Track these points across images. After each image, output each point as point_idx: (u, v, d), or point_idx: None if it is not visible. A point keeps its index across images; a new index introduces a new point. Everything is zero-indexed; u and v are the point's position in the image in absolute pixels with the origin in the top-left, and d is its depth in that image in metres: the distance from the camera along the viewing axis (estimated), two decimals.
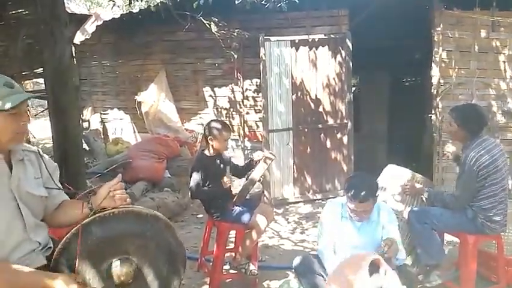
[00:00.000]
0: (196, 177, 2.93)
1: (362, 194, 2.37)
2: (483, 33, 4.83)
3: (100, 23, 5.46)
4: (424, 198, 2.99)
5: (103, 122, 6.52)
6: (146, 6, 5.55)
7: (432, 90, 4.95)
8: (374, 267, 2.10)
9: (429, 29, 4.93)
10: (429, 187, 3.11)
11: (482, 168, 2.66)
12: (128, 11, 5.89)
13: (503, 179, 2.74)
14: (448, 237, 3.26)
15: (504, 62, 4.88)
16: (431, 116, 5.03)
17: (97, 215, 1.53)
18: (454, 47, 4.87)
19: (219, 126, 3.03)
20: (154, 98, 5.77)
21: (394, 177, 3.06)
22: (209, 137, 3.02)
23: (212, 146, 3.02)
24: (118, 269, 1.53)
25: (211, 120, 3.19)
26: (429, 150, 5.24)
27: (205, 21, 4.63)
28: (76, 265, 1.46)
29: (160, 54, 6.08)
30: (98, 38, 6.09)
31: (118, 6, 5.83)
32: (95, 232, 1.51)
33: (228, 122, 5.67)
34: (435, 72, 4.90)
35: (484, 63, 4.89)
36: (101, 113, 6.56)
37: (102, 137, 6.31)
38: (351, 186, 2.42)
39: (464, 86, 4.89)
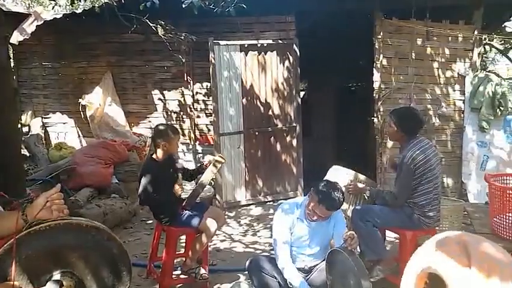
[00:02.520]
0: (144, 182, 2.88)
1: (335, 205, 2.50)
2: (419, 42, 5.17)
3: (40, 22, 5.18)
4: (366, 197, 3.15)
5: (44, 126, 6.21)
6: (90, 7, 5.35)
7: (374, 95, 5.22)
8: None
9: (371, 37, 5.20)
10: (372, 186, 3.29)
11: (418, 167, 2.86)
12: (71, 11, 5.64)
13: (436, 177, 2.96)
14: (389, 233, 3.45)
15: (438, 68, 5.26)
16: (373, 119, 5.30)
17: (32, 228, 1.46)
18: (393, 53, 5.18)
19: (166, 129, 3.01)
20: (100, 101, 5.57)
21: (338, 178, 3.19)
22: (157, 141, 2.98)
23: (161, 150, 2.99)
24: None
25: (158, 124, 3.16)
26: (373, 151, 5.51)
27: (151, 24, 4.56)
28: (12, 282, 1.39)
29: (106, 56, 5.89)
30: (38, 38, 5.77)
31: (60, 6, 5.56)
32: (30, 247, 1.44)
33: (178, 126, 5.62)
34: (376, 77, 5.18)
35: (421, 70, 5.23)
36: (42, 117, 6.24)
37: (44, 142, 6.00)
38: (329, 195, 2.49)
39: (403, 90, 5.21)
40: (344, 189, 3.15)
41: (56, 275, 1.46)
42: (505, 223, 2.96)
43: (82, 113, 5.77)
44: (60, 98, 6.22)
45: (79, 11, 5.38)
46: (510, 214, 2.93)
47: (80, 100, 5.73)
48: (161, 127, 3.06)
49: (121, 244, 1.64)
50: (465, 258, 0.63)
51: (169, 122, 5.60)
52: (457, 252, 0.64)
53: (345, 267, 2.29)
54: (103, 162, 4.87)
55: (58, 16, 5.31)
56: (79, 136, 6.08)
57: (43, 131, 6.16)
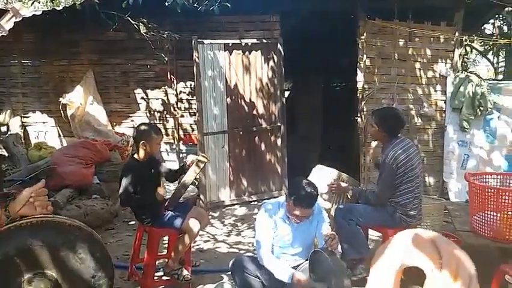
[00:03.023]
0: (125, 183, 2.82)
1: (309, 201, 2.46)
2: (401, 42, 5.23)
3: (18, 19, 5.04)
4: (349, 196, 3.17)
5: (23, 125, 6.07)
6: (71, 4, 5.24)
7: (358, 95, 5.26)
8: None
9: (355, 37, 5.23)
10: (355, 186, 3.31)
11: (400, 166, 2.88)
12: (51, 8, 5.52)
13: (417, 176, 2.99)
14: (372, 232, 3.47)
15: (420, 69, 5.33)
16: (356, 119, 5.34)
17: (13, 224, 1.42)
18: (377, 54, 5.22)
19: (147, 129, 2.95)
20: (81, 100, 5.47)
21: (322, 177, 3.21)
22: (139, 141, 2.93)
23: (143, 150, 2.94)
24: (34, 284, 1.42)
25: (140, 124, 3.11)
26: (356, 150, 5.56)
27: (133, 22, 4.49)
28: None
29: (87, 54, 5.79)
30: (18, 35, 5.63)
31: (39, 2, 5.43)
32: (9, 243, 1.40)
33: (161, 125, 5.57)
34: (360, 77, 5.21)
35: (403, 70, 5.29)
36: (21, 116, 6.09)
37: (23, 141, 5.86)
38: (297, 193, 2.46)
39: (386, 90, 5.26)
40: (327, 188, 3.18)
41: (33, 276, 1.42)
42: (484, 221, 3.01)
43: (62, 112, 5.66)
44: (40, 97, 6.09)
45: (59, 8, 5.27)
46: (489, 212, 2.98)
47: (60, 99, 5.62)
48: (143, 127, 3.01)
49: (104, 246, 1.60)
50: (436, 255, 0.63)
51: (152, 122, 5.54)
52: (429, 249, 0.64)
53: (326, 267, 2.30)
54: (83, 162, 4.78)
55: (38, 13, 5.18)
56: (60, 136, 5.97)
57: (22, 130, 6.03)
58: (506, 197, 2.88)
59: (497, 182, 3.33)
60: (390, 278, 0.67)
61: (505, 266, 2.52)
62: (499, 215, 2.92)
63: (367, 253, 3.06)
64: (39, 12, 5.20)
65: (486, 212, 2.99)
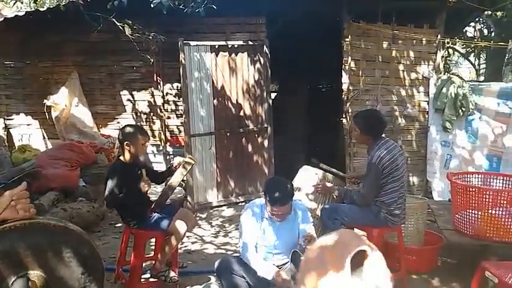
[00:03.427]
0: (111, 185, 2.81)
1: (281, 198, 2.50)
2: (385, 45, 5.32)
3: (0, 19, 4.98)
4: (335, 196, 3.21)
5: (7, 127, 5.97)
6: (55, 5, 5.18)
7: (343, 96, 5.32)
8: (358, 260, 1.61)
9: (340, 39, 5.29)
10: (340, 186, 3.35)
11: (385, 167, 2.93)
12: (35, 9, 5.45)
13: (402, 176, 3.04)
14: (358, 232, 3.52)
15: (403, 71, 5.42)
16: (342, 120, 5.40)
17: None
18: (361, 56, 5.30)
19: (132, 130, 2.94)
20: (66, 102, 5.40)
21: (308, 178, 3.25)
22: (124, 143, 2.92)
23: (128, 151, 2.93)
24: (22, 285, 1.42)
25: (125, 125, 3.09)
26: (342, 151, 5.62)
27: (118, 24, 4.47)
28: None
29: (73, 56, 5.72)
30: (0, 36, 5.55)
31: (22, 3, 5.35)
32: None
33: (148, 127, 5.55)
34: (345, 79, 5.28)
35: (387, 72, 5.38)
36: (5, 119, 6.00)
37: (6, 144, 5.76)
38: (270, 192, 2.53)
39: (370, 92, 5.34)
40: (312, 188, 3.21)
41: (19, 279, 1.42)
42: (466, 219, 3.09)
43: (47, 114, 5.58)
44: (24, 99, 6.00)
45: (43, 8, 5.21)
46: (471, 211, 3.06)
47: (45, 101, 5.54)
48: (128, 128, 2.99)
49: (93, 245, 1.59)
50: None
51: (138, 123, 5.51)
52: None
53: None
54: (69, 164, 4.73)
55: (21, 13, 5.11)
56: (44, 138, 5.89)
57: (6, 132, 5.93)
58: (487, 196, 2.97)
59: (478, 181, 3.42)
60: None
61: (485, 262, 2.58)
62: (480, 213, 3.00)
63: None
64: (22, 13, 5.13)
65: (468, 210, 3.07)
